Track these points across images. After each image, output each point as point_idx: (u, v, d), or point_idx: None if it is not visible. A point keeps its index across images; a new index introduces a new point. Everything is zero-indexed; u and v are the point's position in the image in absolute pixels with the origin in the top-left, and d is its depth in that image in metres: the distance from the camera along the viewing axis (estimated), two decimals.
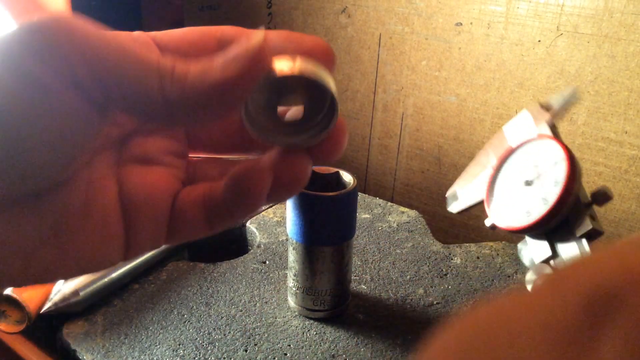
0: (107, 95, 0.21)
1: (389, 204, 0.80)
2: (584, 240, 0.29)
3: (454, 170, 0.87)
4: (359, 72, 0.91)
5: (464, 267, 0.66)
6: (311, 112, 0.26)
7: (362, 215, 0.77)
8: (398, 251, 0.69)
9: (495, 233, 0.86)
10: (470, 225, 0.89)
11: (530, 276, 0.29)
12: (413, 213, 0.78)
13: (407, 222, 0.76)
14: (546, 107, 0.34)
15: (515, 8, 0.74)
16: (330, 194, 0.52)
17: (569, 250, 0.28)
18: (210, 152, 0.29)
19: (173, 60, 0.22)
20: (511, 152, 0.31)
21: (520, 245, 0.32)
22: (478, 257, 0.68)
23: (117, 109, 0.23)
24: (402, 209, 0.79)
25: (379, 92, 0.91)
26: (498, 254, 0.69)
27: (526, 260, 0.31)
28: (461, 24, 0.79)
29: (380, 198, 0.82)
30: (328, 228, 0.53)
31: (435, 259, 0.68)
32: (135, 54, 0.21)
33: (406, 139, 0.91)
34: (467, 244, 0.70)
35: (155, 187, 0.25)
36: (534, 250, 0.29)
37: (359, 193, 0.82)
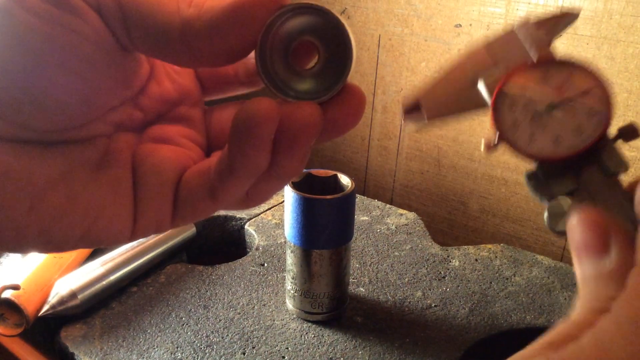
0: (126, 20, 0.21)
1: (388, 206, 0.80)
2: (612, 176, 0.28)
3: (454, 172, 0.87)
4: (358, 74, 0.91)
5: (462, 270, 0.66)
6: (325, 61, 0.25)
7: (361, 218, 0.77)
8: (396, 254, 0.69)
9: (493, 236, 0.86)
10: (469, 227, 0.89)
11: (553, 210, 0.27)
12: (411, 215, 0.78)
13: (405, 225, 0.76)
14: (541, 25, 0.29)
15: (514, 10, 0.74)
16: (328, 197, 0.52)
17: (595, 183, 0.27)
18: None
19: None
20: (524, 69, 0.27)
21: (528, 175, 0.28)
22: (476, 260, 0.68)
23: (137, 41, 0.22)
24: (400, 211, 0.79)
25: (378, 93, 0.91)
26: (496, 257, 0.69)
27: (541, 193, 0.28)
28: (460, 26, 0.79)
29: (379, 199, 0.82)
30: (326, 231, 0.53)
31: (434, 262, 0.68)
32: None
33: (405, 141, 0.91)
34: (466, 247, 0.70)
35: (163, 159, 0.25)
36: (553, 182, 0.27)
37: (357, 195, 0.82)
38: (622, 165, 0.27)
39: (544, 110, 0.26)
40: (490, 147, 0.27)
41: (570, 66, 0.27)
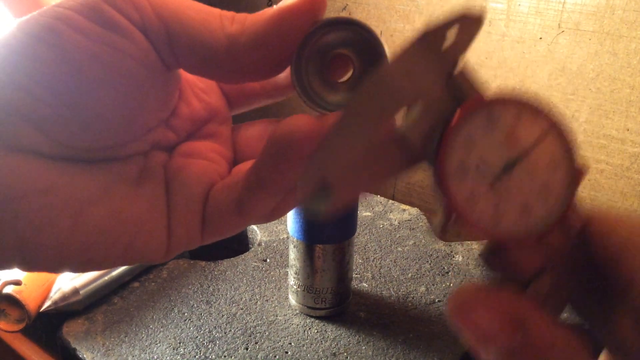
0: (171, 39, 0.22)
1: (390, 201, 0.80)
2: None
3: None
4: None
5: (466, 265, 0.66)
6: (360, 74, 0.24)
7: (363, 213, 0.77)
8: (399, 249, 0.69)
9: None
10: None
11: None
12: (414, 211, 0.78)
13: (408, 220, 0.75)
14: (438, 38, 0.20)
15: (516, 5, 0.74)
16: None
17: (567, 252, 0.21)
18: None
19: (234, 12, 0.23)
20: (460, 119, 0.20)
21: (485, 255, 0.22)
22: (480, 255, 0.68)
23: (182, 59, 0.23)
24: (403, 206, 0.78)
25: None
26: None
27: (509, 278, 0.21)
28: None
29: (381, 196, 0.82)
30: (329, 226, 0.53)
31: (437, 257, 0.68)
32: (196, 3, 0.23)
33: None
34: (469, 242, 0.70)
35: (192, 174, 0.25)
36: (520, 264, 0.21)
37: None
38: (581, 220, 0.21)
39: (501, 172, 0.20)
40: (445, 231, 0.20)
41: (515, 105, 0.20)
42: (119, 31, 0.21)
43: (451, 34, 0.20)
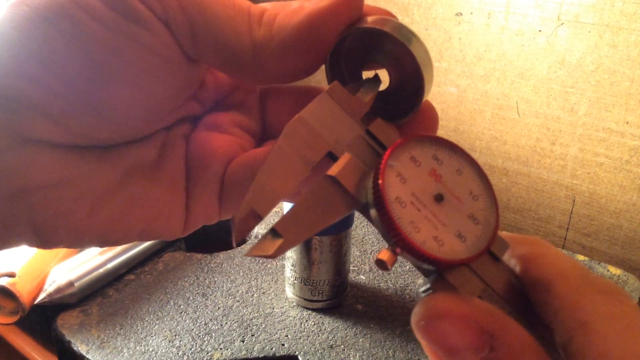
0: (195, 35, 0.21)
1: None
2: None
3: None
4: None
5: None
6: (396, 83, 0.24)
7: None
8: None
9: None
10: None
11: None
12: None
13: None
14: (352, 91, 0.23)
15: None
16: None
17: (495, 276, 0.22)
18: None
19: (264, 7, 0.22)
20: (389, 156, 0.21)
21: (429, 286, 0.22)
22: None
23: (205, 56, 0.22)
24: None
25: None
26: None
27: None
28: (461, 14, 0.78)
29: None
30: None
31: None
32: None
33: None
34: None
35: (213, 150, 0.24)
36: (461, 288, 0.22)
37: None
38: (506, 245, 0.22)
39: (435, 204, 0.21)
40: (391, 261, 0.21)
41: (431, 144, 0.22)
42: (141, 23, 0.20)
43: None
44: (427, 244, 0.20)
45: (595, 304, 0.18)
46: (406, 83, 0.23)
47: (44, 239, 0.21)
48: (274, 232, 0.20)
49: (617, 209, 0.73)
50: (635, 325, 0.18)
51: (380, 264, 0.21)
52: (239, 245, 0.67)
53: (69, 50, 0.19)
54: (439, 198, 0.21)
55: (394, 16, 0.23)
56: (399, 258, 0.21)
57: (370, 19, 0.22)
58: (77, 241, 0.22)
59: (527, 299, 0.21)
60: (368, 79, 0.24)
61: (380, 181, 0.21)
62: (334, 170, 0.21)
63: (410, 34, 0.22)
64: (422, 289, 0.22)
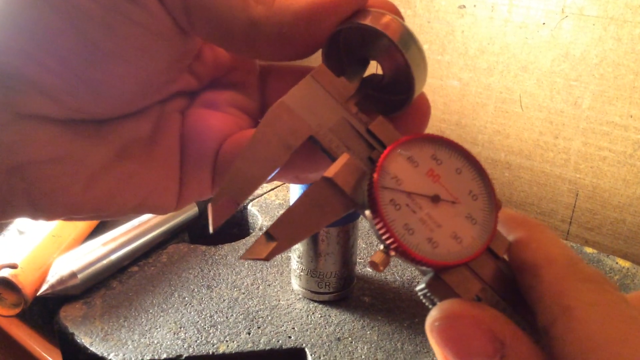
0: (188, 8, 0.20)
1: None
2: None
3: None
4: None
5: None
6: (389, 78, 0.24)
7: None
8: None
9: None
10: None
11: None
12: None
13: None
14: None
15: None
16: None
17: (498, 276, 0.23)
18: None
19: None
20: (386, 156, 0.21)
21: (425, 287, 0.22)
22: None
23: (199, 30, 0.21)
24: None
25: None
26: None
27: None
28: (464, 7, 0.78)
29: None
30: None
31: None
32: None
33: None
34: None
35: (208, 129, 0.24)
36: (458, 289, 0.22)
37: None
38: (507, 243, 0.22)
39: (431, 205, 0.21)
40: (384, 263, 0.21)
41: (430, 143, 0.22)
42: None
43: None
44: (421, 246, 0.20)
45: (579, 291, 0.19)
46: (398, 81, 0.23)
47: (41, 213, 0.22)
48: (268, 235, 0.20)
49: (620, 203, 0.73)
50: (616, 313, 0.18)
51: (374, 266, 0.21)
52: (242, 237, 0.67)
53: (62, 27, 0.19)
54: (435, 199, 0.21)
55: (397, 11, 0.23)
56: None
57: (371, 14, 0.22)
58: (74, 215, 0.22)
59: (520, 297, 0.22)
60: (356, 61, 0.24)
61: (374, 184, 0.21)
62: (331, 171, 0.21)
63: (408, 39, 0.22)
64: (418, 287, 0.22)
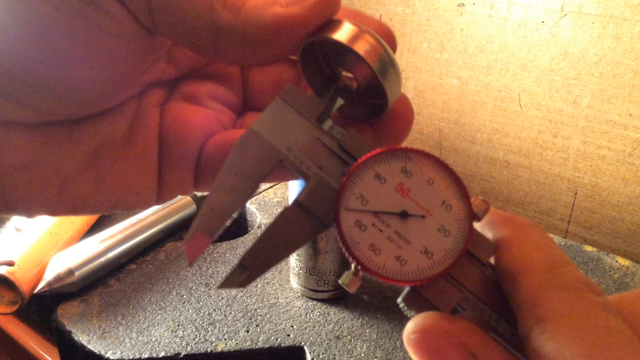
0: (151, 8, 0.20)
1: None
2: None
3: (455, 155, 0.86)
4: None
5: None
6: (365, 88, 0.23)
7: None
8: None
9: None
10: None
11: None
12: None
13: None
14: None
15: None
16: None
17: (481, 284, 0.22)
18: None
19: None
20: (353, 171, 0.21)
21: (405, 299, 0.22)
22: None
23: (163, 31, 0.21)
24: None
25: None
26: None
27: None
28: (463, 5, 0.78)
29: None
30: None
31: None
32: None
33: None
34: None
35: (188, 126, 0.24)
36: (436, 301, 0.22)
37: None
38: (492, 247, 0.22)
39: (399, 222, 0.21)
40: (354, 283, 0.21)
41: (400, 156, 0.21)
42: (92, 3, 0.19)
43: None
44: (388, 266, 0.20)
45: (553, 301, 0.19)
46: (371, 89, 0.23)
47: (20, 214, 0.22)
48: (241, 266, 0.21)
49: (619, 202, 0.73)
50: (590, 325, 0.18)
51: (344, 287, 0.21)
52: (241, 235, 0.66)
53: (21, 33, 0.19)
54: (404, 215, 0.21)
55: (369, 19, 0.22)
56: None
57: (341, 26, 0.21)
58: (52, 214, 0.23)
59: (504, 302, 0.21)
60: (327, 76, 0.24)
61: (337, 208, 0.21)
62: (301, 195, 0.21)
63: (375, 51, 0.21)
64: (399, 300, 0.22)
